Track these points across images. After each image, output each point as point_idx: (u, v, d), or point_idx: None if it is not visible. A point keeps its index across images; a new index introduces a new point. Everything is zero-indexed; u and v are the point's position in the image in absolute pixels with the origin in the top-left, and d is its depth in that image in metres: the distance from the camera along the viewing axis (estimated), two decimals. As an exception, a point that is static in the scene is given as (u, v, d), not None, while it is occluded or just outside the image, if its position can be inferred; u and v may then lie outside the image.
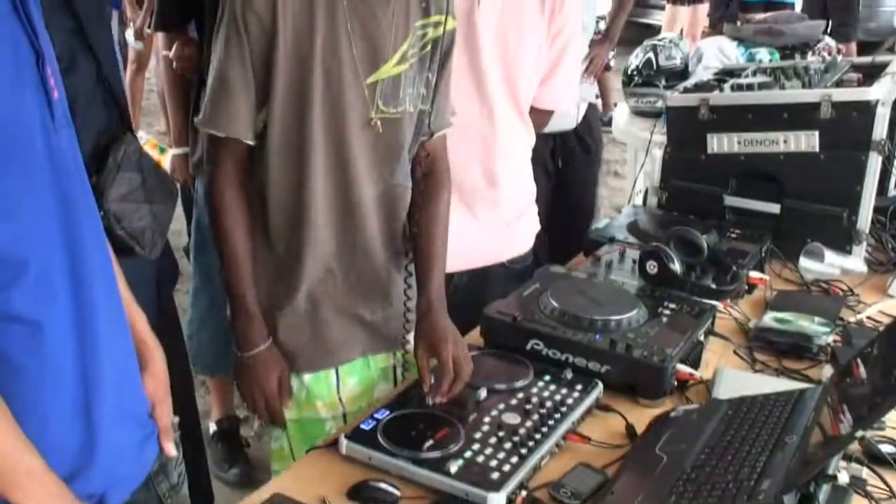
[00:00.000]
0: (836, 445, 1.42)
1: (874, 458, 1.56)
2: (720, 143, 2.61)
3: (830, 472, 1.42)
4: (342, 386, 1.96)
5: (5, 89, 1.14)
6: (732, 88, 2.72)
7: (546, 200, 2.70)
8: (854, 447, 1.58)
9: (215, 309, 2.94)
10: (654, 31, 8.67)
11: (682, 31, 7.64)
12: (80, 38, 1.66)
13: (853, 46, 7.94)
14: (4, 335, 1.19)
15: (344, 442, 1.63)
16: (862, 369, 1.53)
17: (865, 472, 1.51)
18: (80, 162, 1.34)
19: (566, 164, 3.62)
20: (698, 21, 8.25)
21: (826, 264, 2.41)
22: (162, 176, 1.86)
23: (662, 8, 8.62)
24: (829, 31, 7.57)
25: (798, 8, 8.09)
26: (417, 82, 1.91)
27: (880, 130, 2.41)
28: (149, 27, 3.04)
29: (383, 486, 1.55)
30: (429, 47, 1.92)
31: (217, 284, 2.23)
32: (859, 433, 1.41)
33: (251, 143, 1.83)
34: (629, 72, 4.35)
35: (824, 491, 1.41)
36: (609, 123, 4.55)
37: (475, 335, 2.05)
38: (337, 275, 1.93)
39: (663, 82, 4.18)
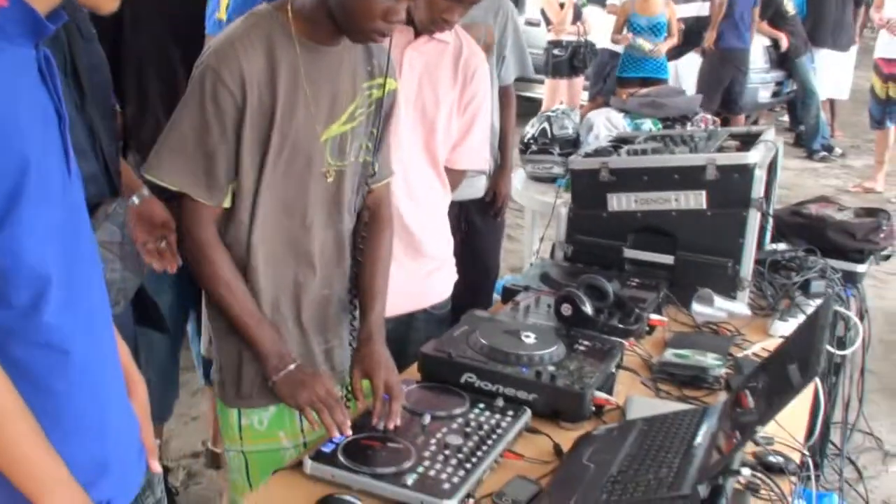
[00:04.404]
0: (741, 437, 1.66)
1: (766, 467, 1.84)
2: (619, 202, 2.89)
3: (734, 467, 1.68)
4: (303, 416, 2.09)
5: (37, 146, 1.32)
6: (629, 153, 3.01)
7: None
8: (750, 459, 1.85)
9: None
10: (535, 103, 9.11)
11: (561, 101, 8.11)
12: (82, 110, 1.82)
13: (741, 118, 8.89)
14: (37, 360, 1.35)
15: (308, 462, 1.80)
16: (750, 399, 1.77)
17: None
18: (85, 213, 1.52)
19: (472, 227, 3.87)
20: (576, 93, 8.85)
21: (715, 308, 2.69)
22: (137, 252, 1.97)
23: (541, 82, 9.08)
24: (722, 104, 8.49)
25: (691, 84, 8.84)
26: (363, 137, 2.12)
27: (758, 190, 2.72)
28: None
29: (348, 498, 1.72)
30: (374, 106, 2.14)
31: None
32: (758, 427, 1.65)
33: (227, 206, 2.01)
34: (525, 140, 4.64)
35: (730, 482, 1.66)
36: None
37: (410, 371, 2.26)
38: (287, 317, 2.11)
39: (557, 150, 4.49)
